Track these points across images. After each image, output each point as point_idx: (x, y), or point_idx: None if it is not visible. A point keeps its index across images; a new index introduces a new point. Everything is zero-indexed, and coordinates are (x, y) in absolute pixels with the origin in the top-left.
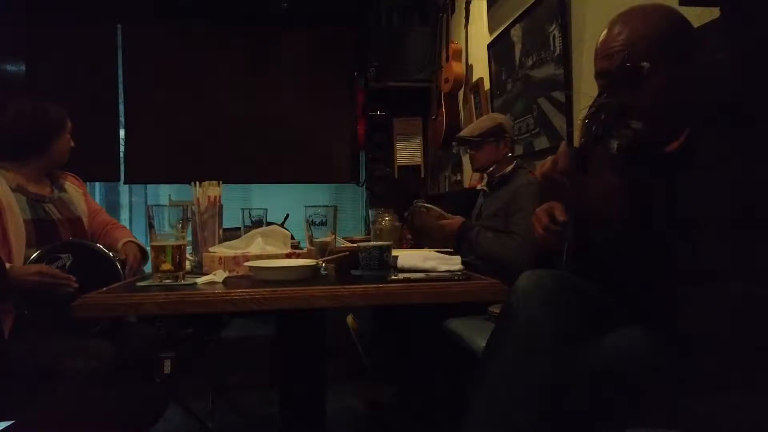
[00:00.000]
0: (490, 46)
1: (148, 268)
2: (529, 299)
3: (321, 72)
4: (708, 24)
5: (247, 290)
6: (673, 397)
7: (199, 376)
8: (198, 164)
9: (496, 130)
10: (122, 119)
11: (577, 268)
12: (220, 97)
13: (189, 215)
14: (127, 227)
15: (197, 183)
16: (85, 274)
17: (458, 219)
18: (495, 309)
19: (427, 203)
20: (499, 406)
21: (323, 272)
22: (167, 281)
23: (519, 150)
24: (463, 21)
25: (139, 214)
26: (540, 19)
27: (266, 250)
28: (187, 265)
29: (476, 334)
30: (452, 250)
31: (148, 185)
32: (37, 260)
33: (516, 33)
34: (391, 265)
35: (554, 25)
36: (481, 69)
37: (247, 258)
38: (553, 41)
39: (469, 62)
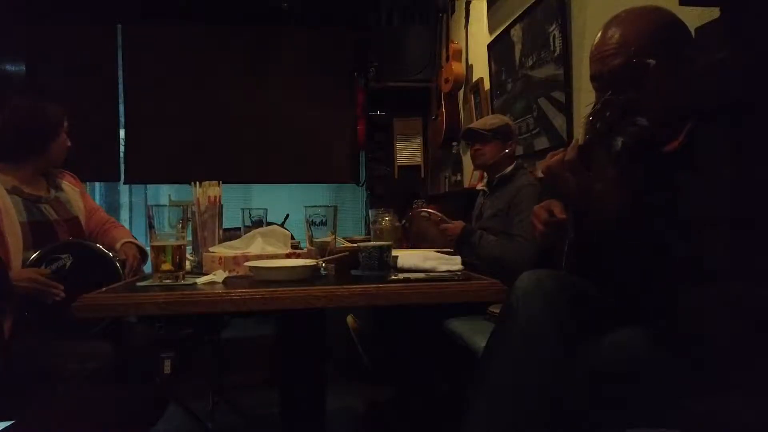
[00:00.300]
0: (490, 46)
1: (147, 268)
2: (529, 299)
3: (321, 72)
4: (708, 24)
5: (247, 290)
6: (673, 397)
7: (199, 376)
8: (198, 164)
9: (505, 129)
10: (122, 119)
11: (577, 268)
12: (220, 97)
13: (189, 215)
14: (127, 227)
15: (197, 183)
16: (84, 274)
17: (459, 223)
18: (495, 309)
19: (426, 206)
20: (499, 406)
21: (323, 272)
22: (167, 281)
23: (519, 150)
24: (463, 21)
25: (139, 214)
26: (540, 19)
27: (266, 250)
28: (187, 265)
29: (476, 334)
30: (452, 250)
31: (148, 185)
32: (37, 261)
33: (516, 33)
34: (391, 265)
35: (554, 25)
36: (481, 69)
37: (247, 258)
38: (553, 41)
39: (469, 62)
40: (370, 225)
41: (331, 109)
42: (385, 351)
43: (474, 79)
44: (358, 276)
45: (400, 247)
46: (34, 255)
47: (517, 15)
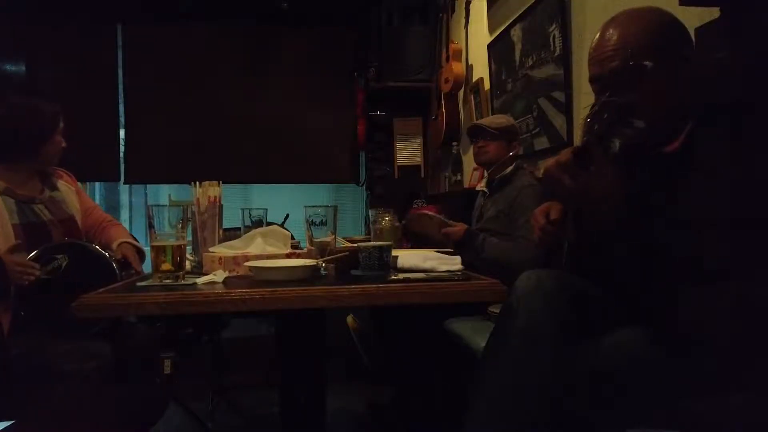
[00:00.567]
0: (490, 46)
1: (146, 268)
2: (529, 299)
3: (321, 72)
4: (708, 24)
5: (247, 290)
6: (673, 397)
7: (199, 376)
8: (198, 164)
9: (511, 130)
10: (122, 119)
11: (577, 268)
12: (220, 97)
13: (189, 215)
14: (127, 227)
15: (197, 183)
16: (80, 274)
17: (461, 226)
18: (495, 309)
19: (428, 205)
20: (499, 406)
21: (323, 272)
22: (167, 281)
23: (519, 150)
24: (463, 21)
25: (139, 214)
26: (540, 19)
27: (266, 250)
28: (187, 265)
29: (476, 334)
30: (452, 250)
31: (148, 185)
32: (33, 261)
33: (516, 33)
34: (391, 265)
35: (554, 25)
36: (481, 69)
37: (247, 258)
38: (553, 41)
39: (469, 62)
40: (370, 225)
41: (331, 109)
42: (385, 351)
43: (474, 79)
44: (358, 276)
45: (400, 246)
46: (30, 256)
47: (517, 15)
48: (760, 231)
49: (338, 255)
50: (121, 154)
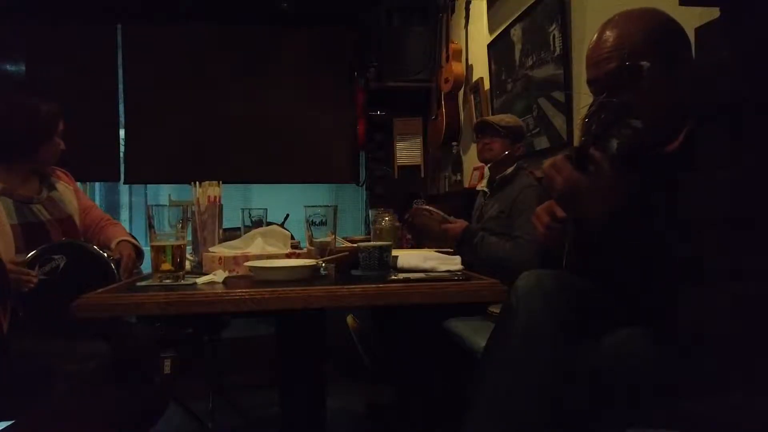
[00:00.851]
0: (490, 46)
1: (145, 267)
2: (529, 299)
3: (321, 72)
4: (708, 24)
5: (247, 290)
6: (673, 397)
7: (199, 376)
8: (198, 164)
9: (517, 130)
10: (122, 119)
11: (577, 268)
12: (220, 97)
13: (189, 215)
14: (127, 227)
15: (197, 183)
16: (78, 275)
17: (461, 223)
18: (495, 309)
19: (428, 205)
20: (499, 406)
21: (323, 272)
22: (167, 281)
23: (520, 151)
24: (463, 21)
25: (139, 214)
26: (540, 19)
27: (266, 250)
28: (187, 265)
29: (476, 334)
30: (452, 250)
31: (148, 185)
32: (31, 262)
33: (516, 33)
34: (391, 265)
35: (554, 25)
36: (481, 69)
37: (247, 258)
38: (553, 41)
39: (469, 62)
40: (370, 225)
41: (331, 109)
42: (385, 351)
43: (474, 79)
44: (358, 276)
45: (401, 246)
46: (28, 256)
47: (517, 15)
48: (760, 231)
49: (338, 255)
50: (121, 154)
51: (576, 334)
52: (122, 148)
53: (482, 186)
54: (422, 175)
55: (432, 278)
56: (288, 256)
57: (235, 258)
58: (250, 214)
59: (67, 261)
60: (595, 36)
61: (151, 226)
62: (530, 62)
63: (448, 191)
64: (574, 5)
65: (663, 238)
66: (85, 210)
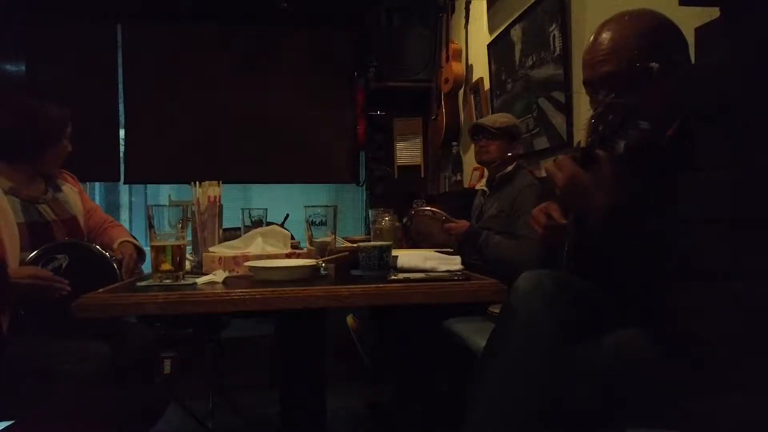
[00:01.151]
0: (490, 46)
1: (146, 267)
2: (529, 299)
3: (321, 72)
4: (708, 24)
5: (247, 290)
6: (673, 397)
7: (199, 376)
8: (198, 164)
9: (512, 130)
10: (122, 119)
11: (577, 268)
12: (220, 97)
13: (189, 215)
14: (127, 227)
15: (197, 183)
16: (81, 275)
17: (464, 223)
18: (495, 309)
19: (427, 205)
20: (499, 406)
21: (323, 272)
22: (167, 281)
23: (519, 150)
24: (463, 21)
25: (139, 214)
26: (540, 19)
27: (266, 250)
28: (187, 265)
29: (476, 334)
30: (452, 250)
31: (148, 185)
32: (34, 261)
33: (516, 33)
34: (391, 265)
35: (554, 25)
36: (481, 69)
37: (247, 258)
38: (553, 41)
39: (469, 62)
40: (370, 225)
41: (331, 109)
42: (385, 351)
43: (474, 79)
44: (358, 276)
45: (400, 246)
46: (31, 255)
47: (517, 15)
48: (760, 231)
49: (338, 255)
50: (121, 154)
51: (576, 334)
52: (122, 148)
53: (482, 185)
54: (422, 175)
55: (432, 278)
56: (288, 256)
57: (235, 258)
58: (250, 214)
59: (70, 261)
60: (592, 37)
61: (151, 226)
62: (530, 62)
63: (448, 191)
64: (574, 5)
65: (663, 237)
66: (89, 212)
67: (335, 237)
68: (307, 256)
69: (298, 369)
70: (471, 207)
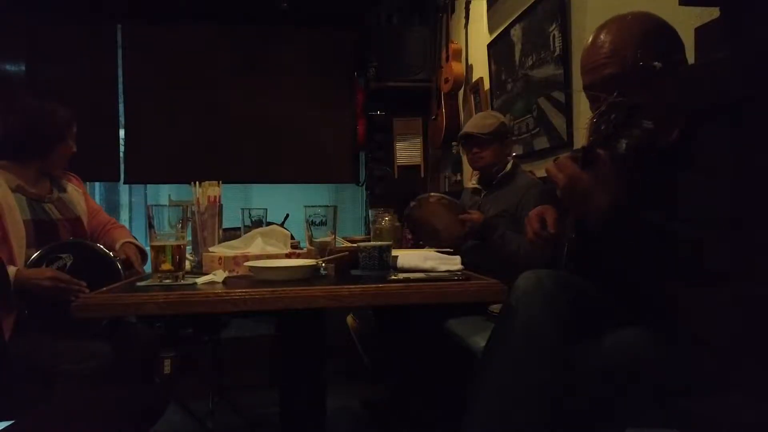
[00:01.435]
0: (490, 46)
1: (146, 267)
2: (529, 299)
3: (321, 72)
4: (708, 24)
5: (247, 290)
6: (673, 397)
7: (199, 376)
8: (198, 164)
9: (502, 129)
10: (122, 119)
11: (577, 268)
12: (220, 97)
13: (189, 215)
14: (127, 227)
15: (197, 183)
16: (85, 274)
17: (478, 214)
18: (495, 309)
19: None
20: (499, 406)
21: (323, 272)
22: (167, 281)
23: (519, 150)
24: (463, 21)
25: (139, 214)
26: (540, 19)
27: (266, 250)
28: (187, 265)
29: (476, 334)
30: (452, 250)
31: (148, 185)
32: (38, 260)
33: (516, 33)
34: (391, 265)
35: (554, 25)
36: (481, 69)
37: (247, 258)
38: (553, 41)
39: (469, 62)
40: (370, 225)
41: (331, 109)
42: (385, 351)
43: (474, 79)
44: (358, 276)
45: (401, 243)
46: (35, 254)
47: (517, 15)
48: (760, 231)
49: (338, 255)
50: (121, 154)
51: (576, 334)
52: (122, 148)
53: (473, 183)
54: (422, 175)
55: (432, 278)
56: (288, 256)
57: (235, 258)
58: (250, 214)
59: (74, 260)
60: (590, 41)
61: (151, 226)
62: (530, 62)
63: (448, 191)
64: (574, 5)
65: (663, 237)
66: (92, 213)
67: (335, 237)
68: (307, 256)
69: (298, 369)
70: (469, 207)
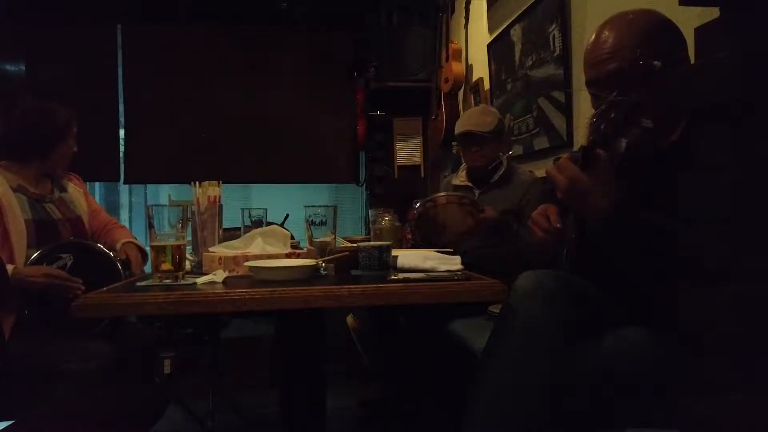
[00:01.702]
0: (490, 46)
1: (147, 268)
2: (529, 299)
3: (321, 72)
4: (708, 24)
5: (247, 290)
6: (673, 397)
7: (199, 376)
8: (198, 164)
9: (501, 126)
10: (122, 119)
11: (577, 268)
12: (220, 97)
13: (189, 215)
14: (127, 227)
15: (197, 183)
16: (85, 274)
17: (492, 212)
18: (495, 309)
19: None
20: (499, 406)
21: (323, 272)
22: (167, 281)
23: (519, 150)
24: (463, 21)
25: (139, 214)
26: (540, 19)
27: (266, 250)
28: (187, 265)
29: (476, 334)
30: (452, 250)
31: (148, 185)
32: (38, 260)
33: (516, 33)
34: (391, 265)
35: (554, 25)
36: (481, 69)
37: (247, 258)
38: (553, 41)
39: (469, 62)
40: (370, 225)
41: (331, 109)
42: (385, 351)
43: (474, 79)
44: (358, 276)
45: (401, 243)
46: (36, 254)
47: (517, 15)
48: (760, 231)
49: (338, 255)
50: (121, 154)
51: (576, 334)
52: (122, 148)
53: (462, 181)
54: (422, 175)
55: (432, 278)
56: (288, 256)
57: (235, 258)
58: (250, 214)
59: (74, 260)
60: (593, 38)
61: (151, 226)
62: (530, 62)
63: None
64: (574, 5)
65: (663, 237)
66: (93, 213)
67: (335, 237)
68: (307, 256)
69: (298, 369)
70: None
